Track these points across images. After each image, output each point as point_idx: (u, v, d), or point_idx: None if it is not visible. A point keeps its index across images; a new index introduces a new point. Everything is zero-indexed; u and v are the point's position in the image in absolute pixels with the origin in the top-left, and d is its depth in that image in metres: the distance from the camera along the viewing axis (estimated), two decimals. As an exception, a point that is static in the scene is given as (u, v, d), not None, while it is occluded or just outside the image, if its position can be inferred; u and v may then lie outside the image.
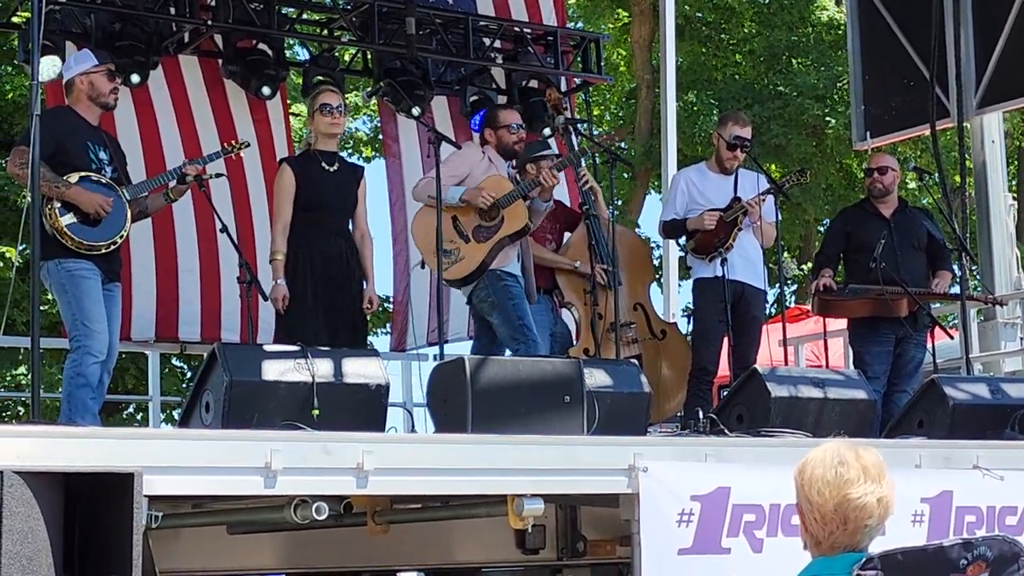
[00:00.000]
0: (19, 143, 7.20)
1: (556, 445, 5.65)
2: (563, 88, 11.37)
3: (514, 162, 8.38)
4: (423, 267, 8.15)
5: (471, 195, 7.91)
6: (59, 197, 7.02)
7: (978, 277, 11.07)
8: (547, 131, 10.92)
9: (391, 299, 12.47)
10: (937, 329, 9.04)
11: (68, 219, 7.04)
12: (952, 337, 9.84)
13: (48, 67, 7.56)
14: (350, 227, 7.94)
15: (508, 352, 7.87)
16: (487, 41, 11.36)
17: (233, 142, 8.24)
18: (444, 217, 7.72)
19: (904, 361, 8.85)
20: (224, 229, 7.58)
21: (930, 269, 9.04)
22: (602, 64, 12.14)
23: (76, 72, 7.38)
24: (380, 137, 17.63)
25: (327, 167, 7.84)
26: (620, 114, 22.93)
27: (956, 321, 10.42)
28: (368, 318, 7.98)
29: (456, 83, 11.40)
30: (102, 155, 7.32)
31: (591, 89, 13.25)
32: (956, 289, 8.99)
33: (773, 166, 19.18)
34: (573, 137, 9.14)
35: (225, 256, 10.13)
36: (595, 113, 20.83)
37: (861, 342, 8.97)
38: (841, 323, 9.62)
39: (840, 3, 20.33)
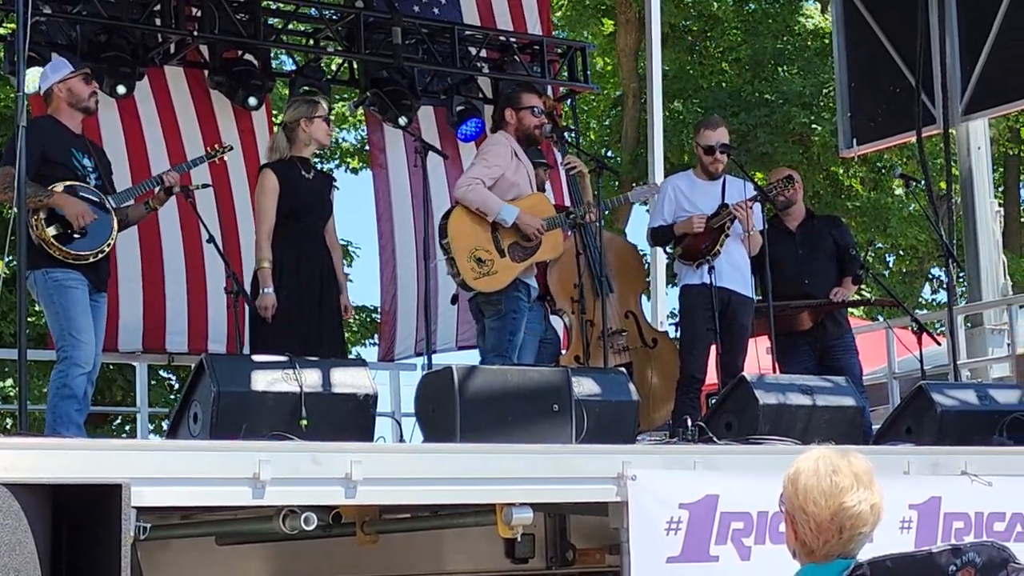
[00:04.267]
0: (4, 163, 7.00)
1: (545, 454, 5.64)
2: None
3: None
4: (451, 269, 7.89)
5: (524, 224, 7.82)
6: (43, 207, 6.98)
7: (961, 281, 11.07)
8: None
9: (379, 309, 12.45)
10: (925, 336, 9.04)
11: (54, 229, 7.01)
12: (939, 343, 9.84)
13: (34, 78, 7.57)
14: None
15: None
16: (473, 50, 11.37)
17: (216, 146, 8.20)
18: (484, 227, 7.77)
19: (840, 367, 8.77)
20: (211, 239, 7.56)
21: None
22: (588, 73, 12.16)
23: (53, 81, 7.35)
24: (367, 148, 17.64)
25: (305, 174, 7.85)
26: (607, 123, 22.93)
27: (943, 328, 10.43)
28: (343, 326, 7.94)
29: (443, 92, 11.41)
30: (86, 162, 7.29)
31: (577, 98, 13.26)
32: (951, 295, 9.00)
33: (760, 174, 19.18)
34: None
35: (212, 266, 10.12)
36: (581, 122, 20.82)
37: (781, 358, 8.98)
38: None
39: (826, 11, 20.37)
